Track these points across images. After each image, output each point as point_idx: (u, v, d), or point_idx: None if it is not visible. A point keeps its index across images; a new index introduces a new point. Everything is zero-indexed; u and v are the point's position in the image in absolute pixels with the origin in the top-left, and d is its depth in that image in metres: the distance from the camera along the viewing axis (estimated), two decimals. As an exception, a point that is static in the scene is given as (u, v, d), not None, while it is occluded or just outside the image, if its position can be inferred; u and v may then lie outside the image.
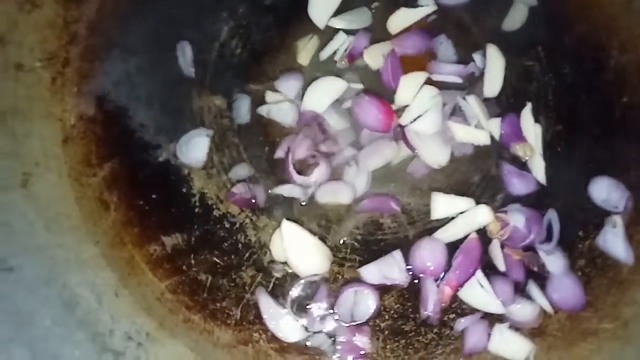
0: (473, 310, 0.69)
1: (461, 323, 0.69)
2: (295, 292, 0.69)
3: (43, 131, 0.74)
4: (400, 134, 0.71)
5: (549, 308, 0.68)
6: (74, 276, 0.70)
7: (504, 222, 0.68)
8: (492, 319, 0.68)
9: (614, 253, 0.70)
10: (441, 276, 0.68)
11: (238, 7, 0.78)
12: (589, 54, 0.75)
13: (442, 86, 0.72)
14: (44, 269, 0.69)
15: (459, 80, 0.73)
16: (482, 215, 0.68)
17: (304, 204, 0.72)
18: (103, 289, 0.70)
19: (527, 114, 0.71)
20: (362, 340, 0.68)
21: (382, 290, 0.70)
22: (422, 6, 0.75)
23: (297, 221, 0.70)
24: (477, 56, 0.74)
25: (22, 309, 0.67)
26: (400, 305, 0.70)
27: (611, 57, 0.75)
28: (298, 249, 0.69)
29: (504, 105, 0.74)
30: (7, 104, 0.72)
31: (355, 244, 0.72)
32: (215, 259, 0.72)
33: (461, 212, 0.69)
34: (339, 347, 0.68)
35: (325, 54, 0.76)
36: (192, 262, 0.72)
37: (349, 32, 0.75)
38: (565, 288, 0.69)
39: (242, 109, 0.75)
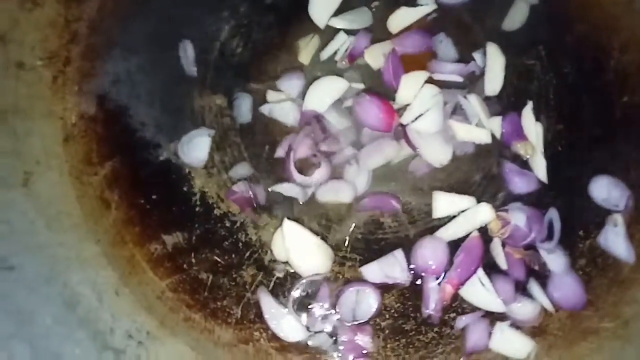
0: (474, 310, 0.69)
1: (462, 321, 0.69)
2: (296, 291, 0.69)
3: (44, 130, 0.74)
4: (401, 133, 0.71)
5: (549, 306, 0.68)
6: (74, 275, 0.70)
7: (504, 221, 0.68)
8: (492, 318, 0.68)
9: (615, 252, 0.70)
10: (442, 275, 0.68)
11: (239, 6, 0.78)
12: (590, 54, 0.75)
13: (442, 85, 0.72)
14: (45, 268, 0.69)
15: (460, 79, 0.73)
16: (484, 213, 0.68)
17: (301, 203, 0.72)
18: (104, 288, 0.70)
19: (528, 112, 0.71)
20: (364, 340, 0.68)
21: (383, 289, 0.70)
22: (422, 5, 0.75)
23: (298, 220, 0.70)
24: (477, 55, 0.74)
25: (23, 308, 0.67)
26: (401, 305, 0.70)
27: (612, 57, 0.75)
28: (300, 249, 0.69)
29: (505, 104, 0.74)
30: (8, 102, 0.72)
31: (356, 243, 0.72)
32: (215, 257, 0.72)
33: (462, 211, 0.69)
34: (340, 347, 0.68)
35: (325, 54, 0.76)
36: (193, 260, 0.72)
37: (349, 32, 0.75)
38: (566, 286, 0.69)
39: (243, 108, 0.75)
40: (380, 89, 0.73)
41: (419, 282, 0.70)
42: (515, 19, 0.76)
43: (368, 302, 0.69)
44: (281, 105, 0.74)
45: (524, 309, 0.68)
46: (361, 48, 0.74)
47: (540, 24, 0.76)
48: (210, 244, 0.72)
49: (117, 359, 0.68)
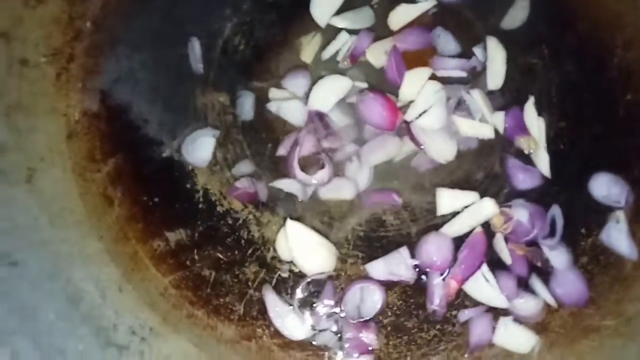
0: (476, 305, 0.69)
1: (464, 314, 0.69)
2: (301, 290, 0.69)
3: (48, 126, 0.74)
4: (404, 130, 0.71)
5: (552, 302, 0.68)
6: (78, 271, 0.70)
7: (507, 216, 0.68)
8: (495, 313, 0.68)
9: (618, 248, 0.70)
10: (447, 270, 0.68)
11: (241, 4, 0.78)
12: (593, 52, 0.75)
13: (445, 81, 0.72)
14: (48, 264, 0.69)
15: (463, 74, 0.73)
16: (488, 208, 0.68)
17: (301, 201, 0.72)
18: (107, 284, 0.71)
19: (530, 107, 0.71)
20: (369, 337, 0.68)
21: (385, 286, 0.70)
22: (422, 1, 0.75)
23: (300, 218, 0.70)
24: (477, 50, 0.74)
25: (26, 303, 0.67)
26: (403, 302, 0.70)
27: (615, 54, 0.75)
28: (304, 248, 0.69)
29: (508, 100, 0.73)
30: (12, 99, 0.72)
31: (358, 240, 0.72)
32: (218, 254, 0.72)
33: (466, 206, 0.69)
34: (346, 344, 0.68)
35: (327, 54, 0.76)
36: (196, 257, 0.72)
37: (351, 31, 0.75)
38: (568, 283, 0.69)
39: (246, 106, 0.75)
40: (382, 87, 0.73)
41: (422, 279, 0.70)
42: (517, 16, 0.76)
43: (373, 299, 0.69)
44: (288, 104, 0.73)
45: (526, 305, 0.68)
46: (363, 48, 0.74)
47: (542, 22, 0.76)
48: (213, 241, 0.72)
49: (120, 355, 0.68)
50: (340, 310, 0.69)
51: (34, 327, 0.66)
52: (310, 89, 0.73)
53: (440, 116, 0.70)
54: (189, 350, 0.70)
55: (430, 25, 0.75)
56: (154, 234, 0.73)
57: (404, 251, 0.69)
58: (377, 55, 0.74)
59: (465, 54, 0.74)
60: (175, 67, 0.76)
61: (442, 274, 0.69)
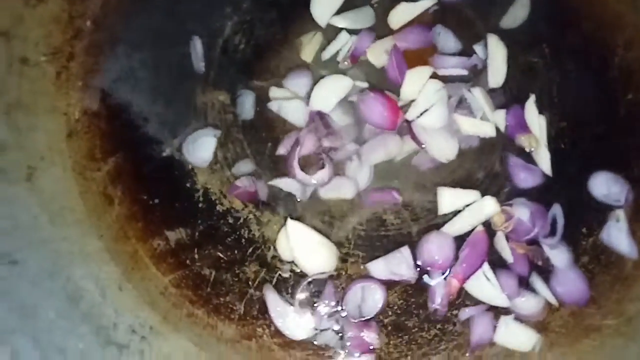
0: (477, 304, 0.69)
1: (465, 313, 0.69)
2: (302, 290, 0.69)
3: (48, 125, 0.74)
4: (405, 129, 0.71)
5: (553, 301, 0.68)
6: (78, 270, 0.70)
7: (508, 215, 0.68)
8: (496, 312, 0.68)
9: (618, 248, 0.70)
10: (448, 269, 0.68)
11: (242, 2, 0.78)
12: (594, 51, 0.75)
13: (446, 79, 0.72)
14: (48, 263, 0.69)
15: (463, 73, 0.73)
16: (489, 207, 0.68)
17: (300, 200, 0.72)
18: (107, 283, 0.70)
19: (530, 105, 0.71)
20: (370, 336, 0.68)
21: (386, 285, 0.70)
22: (422, 0, 0.75)
23: (300, 217, 0.70)
24: (478, 47, 0.74)
25: (26, 302, 0.67)
26: (404, 301, 0.70)
27: (616, 54, 0.75)
28: (305, 248, 0.69)
29: (509, 99, 0.73)
30: (12, 97, 0.72)
31: (359, 240, 0.72)
32: (218, 253, 0.72)
33: (467, 205, 0.69)
34: (347, 344, 0.68)
35: (327, 54, 0.75)
36: (196, 256, 0.72)
37: (351, 31, 0.75)
38: (569, 282, 0.69)
39: (246, 105, 0.75)
40: (383, 86, 0.73)
41: (423, 278, 0.69)
42: (517, 15, 0.76)
43: (374, 298, 0.69)
44: (289, 104, 0.73)
45: (527, 304, 0.68)
46: (363, 49, 0.74)
47: (543, 21, 0.76)
48: (213, 240, 0.72)
49: (120, 353, 0.68)
50: (341, 309, 0.69)
51: (34, 325, 0.66)
52: (311, 89, 0.72)
53: (441, 115, 0.70)
54: (189, 349, 0.69)
55: (431, 24, 0.75)
56: (154, 233, 0.72)
57: (405, 250, 0.69)
58: (378, 54, 0.74)
59: (466, 52, 0.74)
60: (175, 66, 0.76)
61: (443, 273, 0.69)
